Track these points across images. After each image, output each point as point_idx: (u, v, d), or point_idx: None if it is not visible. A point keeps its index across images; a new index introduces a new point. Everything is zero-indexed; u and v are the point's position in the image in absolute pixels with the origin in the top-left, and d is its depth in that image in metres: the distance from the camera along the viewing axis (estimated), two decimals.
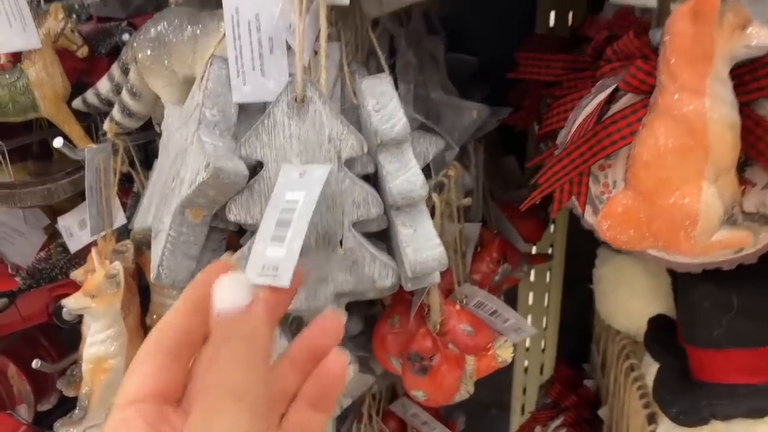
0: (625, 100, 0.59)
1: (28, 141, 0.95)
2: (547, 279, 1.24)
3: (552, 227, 1.20)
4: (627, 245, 0.58)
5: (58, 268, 0.92)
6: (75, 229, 0.87)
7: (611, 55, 0.64)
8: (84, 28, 1.03)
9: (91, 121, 0.92)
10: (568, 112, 0.67)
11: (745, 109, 0.54)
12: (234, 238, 0.65)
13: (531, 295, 1.26)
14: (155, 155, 0.87)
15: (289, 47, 0.59)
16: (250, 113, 0.62)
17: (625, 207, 0.55)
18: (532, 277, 1.24)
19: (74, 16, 1.00)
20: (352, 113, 0.64)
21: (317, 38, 0.60)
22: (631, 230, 0.56)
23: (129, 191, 0.89)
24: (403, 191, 0.57)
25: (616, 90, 0.60)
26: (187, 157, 0.58)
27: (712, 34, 0.49)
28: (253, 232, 0.59)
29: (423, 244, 0.57)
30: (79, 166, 0.83)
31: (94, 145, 0.76)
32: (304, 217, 0.50)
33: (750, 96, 0.54)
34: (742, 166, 0.58)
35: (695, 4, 0.50)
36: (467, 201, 0.77)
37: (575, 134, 0.63)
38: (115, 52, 1.01)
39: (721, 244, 0.53)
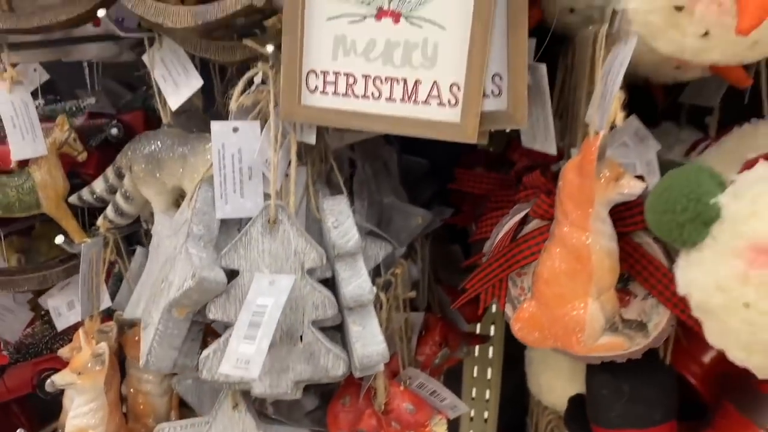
0: (534, 224, 0.74)
1: (21, 226, 1.05)
2: (490, 355, 1.37)
3: (493, 308, 1.33)
4: (535, 344, 0.71)
5: (42, 343, 1.01)
6: (63, 309, 0.96)
7: (526, 183, 0.79)
8: (76, 121, 1.15)
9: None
10: (493, 226, 0.82)
11: (625, 237, 0.69)
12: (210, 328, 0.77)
13: (475, 369, 1.38)
14: (139, 242, 0.99)
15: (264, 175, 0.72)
16: (229, 224, 0.75)
17: (530, 314, 0.69)
18: (476, 353, 1.37)
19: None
20: (315, 225, 0.77)
21: (288, 165, 0.73)
22: (536, 332, 0.70)
23: (110, 272, 1.00)
24: (355, 296, 0.70)
25: (527, 214, 0.75)
26: (176, 264, 0.70)
27: (592, 185, 0.64)
28: (227, 327, 0.71)
29: (370, 341, 0.69)
30: (69, 254, 0.93)
31: (88, 240, 0.87)
32: (272, 320, 0.63)
33: (628, 228, 0.69)
34: (626, 281, 0.73)
35: (580, 160, 0.65)
36: (412, 294, 0.90)
37: (496, 248, 0.77)
38: (105, 144, 1.13)
39: (604, 347, 0.67)
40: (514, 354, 1.36)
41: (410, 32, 0.66)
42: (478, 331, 1.33)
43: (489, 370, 1.38)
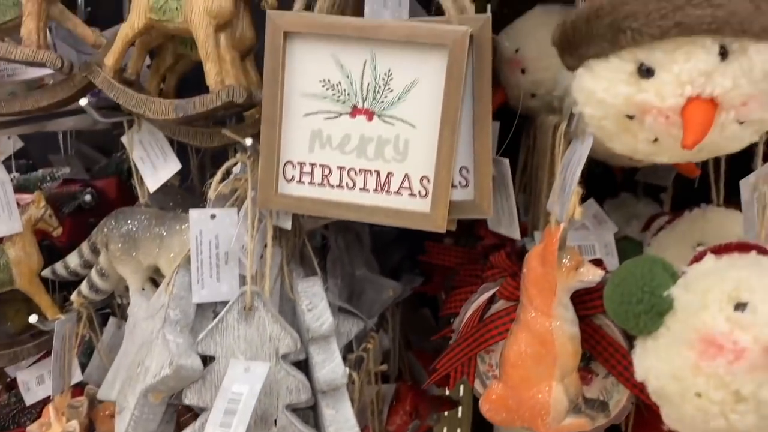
0: (501, 304, 0.77)
1: None
2: (459, 414, 1.39)
3: None
4: (503, 424, 0.74)
5: (10, 417, 1.00)
6: (32, 384, 0.96)
7: (492, 263, 0.82)
8: (49, 188, 1.15)
9: None
10: (462, 302, 0.85)
11: (585, 319, 0.73)
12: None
13: (444, 429, 1.40)
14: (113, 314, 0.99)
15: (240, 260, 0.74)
16: (204, 306, 0.76)
17: (498, 395, 0.72)
18: (445, 412, 1.38)
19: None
20: (289, 305, 0.79)
21: (264, 248, 0.76)
22: (504, 413, 0.72)
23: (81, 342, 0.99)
24: (328, 380, 0.72)
25: (494, 294, 0.78)
26: (153, 349, 0.71)
27: (554, 273, 0.68)
28: (203, 410, 0.72)
29: (342, 425, 0.71)
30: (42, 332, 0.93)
31: (62, 317, 0.87)
32: (247, 408, 0.64)
33: (589, 312, 0.73)
34: (588, 360, 0.76)
35: (542, 250, 0.69)
36: (383, 367, 0.92)
37: (465, 326, 0.80)
38: (78, 211, 1.14)
39: (568, 429, 0.70)
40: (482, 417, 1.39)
41: (383, 129, 0.69)
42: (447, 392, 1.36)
43: (458, 431, 1.40)
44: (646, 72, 0.57)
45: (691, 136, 0.55)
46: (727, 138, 0.59)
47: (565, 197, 0.71)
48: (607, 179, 1.08)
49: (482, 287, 0.82)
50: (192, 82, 0.80)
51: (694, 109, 0.56)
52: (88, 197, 1.13)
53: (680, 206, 0.93)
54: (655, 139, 0.61)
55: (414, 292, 1.09)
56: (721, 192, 0.84)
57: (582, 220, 0.85)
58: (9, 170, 1.02)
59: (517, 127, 1.05)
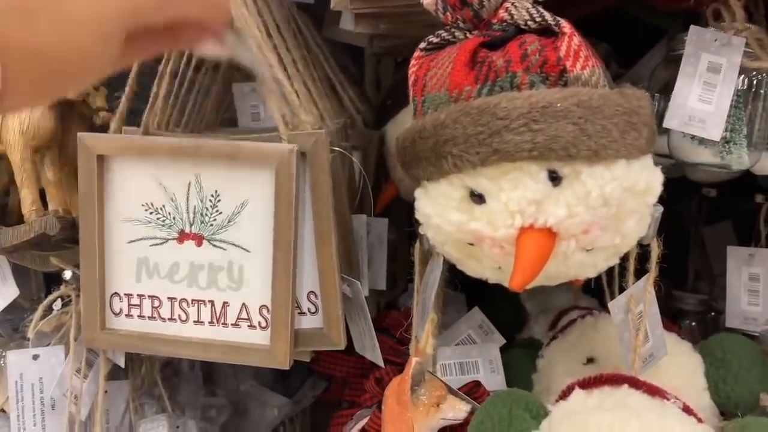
0: None
1: None
2: None
3: None
4: None
5: None
6: None
7: (367, 387, 0.74)
8: None
9: None
10: (342, 426, 0.77)
11: None
12: None
13: None
14: None
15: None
16: None
17: None
18: None
19: None
20: None
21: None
22: None
23: None
24: None
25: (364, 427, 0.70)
26: None
27: (410, 414, 0.60)
28: None
29: None
30: None
31: None
32: None
33: None
34: None
35: (397, 386, 0.61)
36: None
37: None
38: None
39: None
40: None
41: (214, 255, 0.62)
42: None
43: None
44: (477, 198, 0.51)
45: (519, 275, 0.48)
46: (575, 266, 0.53)
47: (424, 321, 0.64)
48: None
49: (357, 414, 0.73)
50: None
51: (525, 241, 0.49)
52: None
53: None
54: (499, 267, 0.54)
55: (315, 399, 1.00)
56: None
57: (466, 324, 0.77)
58: None
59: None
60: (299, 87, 0.68)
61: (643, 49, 0.87)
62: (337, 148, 0.66)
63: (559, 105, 0.47)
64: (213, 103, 0.82)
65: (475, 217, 0.51)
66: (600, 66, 0.51)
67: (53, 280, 0.75)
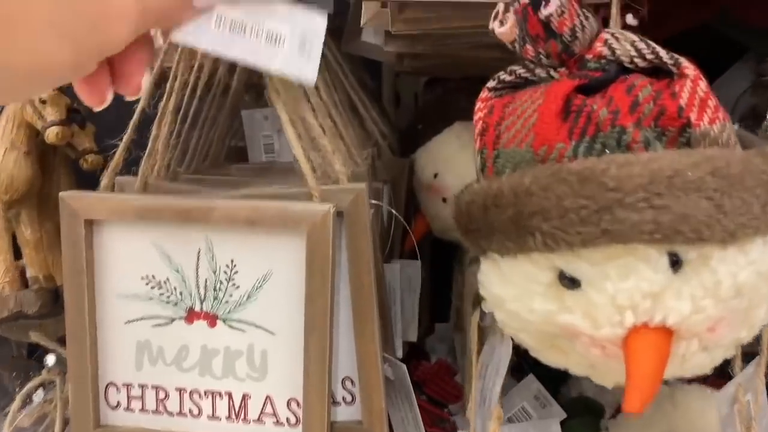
0: None
1: None
2: None
3: None
4: None
5: None
6: None
7: None
8: None
9: None
10: None
11: None
12: None
13: None
14: None
15: None
16: None
17: None
18: None
19: None
20: None
21: None
22: None
23: None
24: None
25: None
26: None
27: None
28: None
29: None
30: None
31: None
32: None
33: None
34: None
35: None
36: None
37: None
38: None
39: None
40: None
41: (231, 338, 0.51)
42: None
43: None
44: (569, 282, 0.40)
45: (637, 395, 0.37)
46: (691, 369, 0.42)
47: (484, 410, 0.53)
48: None
49: None
50: None
51: (640, 347, 0.38)
52: None
53: None
54: (592, 365, 0.44)
55: None
56: None
57: (519, 395, 0.67)
58: None
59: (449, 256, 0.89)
60: (324, 120, 0.57)
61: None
62: (374, 201, 0.55)
63: (689, 174, 0.36)
64: (219, 134, 0.70)
65: (567, 308, 0.40)
66: (728, 119, 0.40)
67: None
